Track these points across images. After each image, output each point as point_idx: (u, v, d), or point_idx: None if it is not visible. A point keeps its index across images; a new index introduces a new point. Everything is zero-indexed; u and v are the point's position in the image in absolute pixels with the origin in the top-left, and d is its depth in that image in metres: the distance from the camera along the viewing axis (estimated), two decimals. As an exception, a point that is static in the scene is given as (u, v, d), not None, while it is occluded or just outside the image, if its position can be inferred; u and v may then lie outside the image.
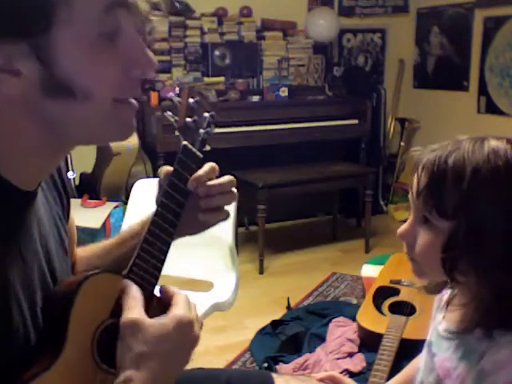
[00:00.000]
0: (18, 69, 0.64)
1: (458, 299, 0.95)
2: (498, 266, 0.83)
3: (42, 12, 0.62)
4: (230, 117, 3.63)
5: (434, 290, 0.99)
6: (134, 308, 0.74)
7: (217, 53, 4.00)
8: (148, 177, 3.52)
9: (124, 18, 0.68)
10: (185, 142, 0.87)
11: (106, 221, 3.08)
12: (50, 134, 0.69)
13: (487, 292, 0.85)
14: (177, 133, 0.89)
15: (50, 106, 0.66)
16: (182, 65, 3.92)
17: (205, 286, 2.06)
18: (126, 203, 2.56)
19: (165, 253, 0.82)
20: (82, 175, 3.61)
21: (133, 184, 2.24)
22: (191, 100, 0.89)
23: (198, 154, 0.88)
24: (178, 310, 0.76)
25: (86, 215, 2.96)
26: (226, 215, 0.91)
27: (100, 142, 0.78)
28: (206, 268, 2.07)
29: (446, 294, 1.00)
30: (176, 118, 0.90)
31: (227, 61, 4.03)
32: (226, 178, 0.89)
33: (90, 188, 3.42)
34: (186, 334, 0.76)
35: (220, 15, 4.00)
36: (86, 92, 0.66)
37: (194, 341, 0.78)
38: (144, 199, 2.15)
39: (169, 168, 0.88)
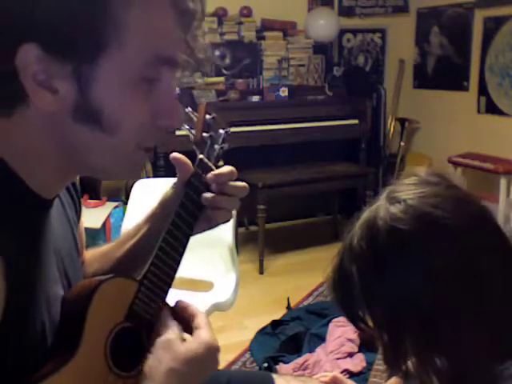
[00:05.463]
0: (56, 87, 0.66)
1: None
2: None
3: (94, 42, 0.65)
4: (229, 117, 3.63)
5: None
6: (170, 332, 0.78)
7: (217, 53, 4.00)
8: (148, 177, 3.52)
9: (166, 72, 0.71)
10: (201, 156, 0.90)
11: (105, 221, 3.09)
12: (69, 158, 0.72)
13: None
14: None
15: (76, 130, 0.69)
16: (181, 65, 3.92)
17: (205, 286, 2.06)
18: (125, 203, 2.56)
19: (178, 262, 0.84)
20: (82, 175, 3.61)
21: (133, 184, 2.24)
22: (208, 116, 0.93)
23: (213, 168, 0.91)
24: (205, 335, 0.79)
25: (85, 215, 2.93)
26: (230, 216, 0.93)
27: (107, 176, 0.84)
28: (206, 268, 2.07)
29: None
30: (193, 131, 0.93)
31: (227, 61, 4.03)
32: (242, 184, 0.92)
33: (89, 188, 3.42)
34: (212, 360, 0.80)
35: (220, 15, 4.00)
36: (113, 126, 0.69)
37: (216, 365, 0.81)
38: (144, 199, 2.15)
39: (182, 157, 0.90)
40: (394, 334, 0.79)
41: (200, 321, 0.81)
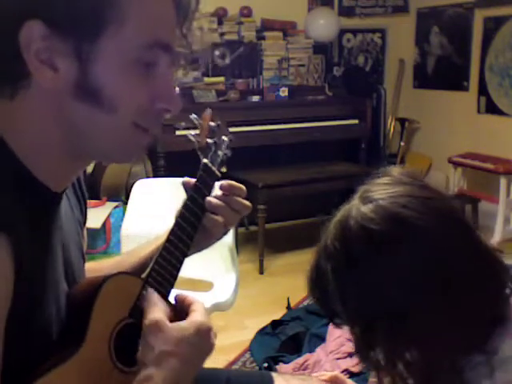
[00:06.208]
0: (58, 65, 0.67)
1: None
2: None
3: (95, 20, 0.67)
4: (229, 117, 3.63)
5: None
6: (156, 311, 0.78)
7: (217, 53, 4.00)
8: (148, 177, 3.52)
9: (163, 58, 0.73)
10: (205, 161, 0.93)
11: (105, 221, 3.09)
12: (72, 139, 0.73)
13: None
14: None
15: (77, 109, 0.70)
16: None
17: (205, 286, 2.06)
18: (125, 203, 2.56)
19: (181, 262, 0.87)
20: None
21: (133, 184, 2.24)
22: (212, 123, 0.96)
23: (217, 173, 0.94)
24: (197, 316, 0.80)
25: (85, 215, 2.95)
26: (226, 231, 0.96)
27: (109, 158, 0.83)
28: (206, 268, 2.07)
29: None
30: (198, 138, 0.96)
31: (227, 61, 4.03)
32: (247, 202, 0.95)
33: (89, 188, 3.41)
34: (204, 340, 0.79)
35: (220, 15, 4.00)
36: (112, 104, 0.70)
37: (210, 347, 0.81)
38: (144, 199, 2.15)
39: (192, 180, 0.93)
40: (366, 328, 0.80)
41: (194, 306, 0.82)
